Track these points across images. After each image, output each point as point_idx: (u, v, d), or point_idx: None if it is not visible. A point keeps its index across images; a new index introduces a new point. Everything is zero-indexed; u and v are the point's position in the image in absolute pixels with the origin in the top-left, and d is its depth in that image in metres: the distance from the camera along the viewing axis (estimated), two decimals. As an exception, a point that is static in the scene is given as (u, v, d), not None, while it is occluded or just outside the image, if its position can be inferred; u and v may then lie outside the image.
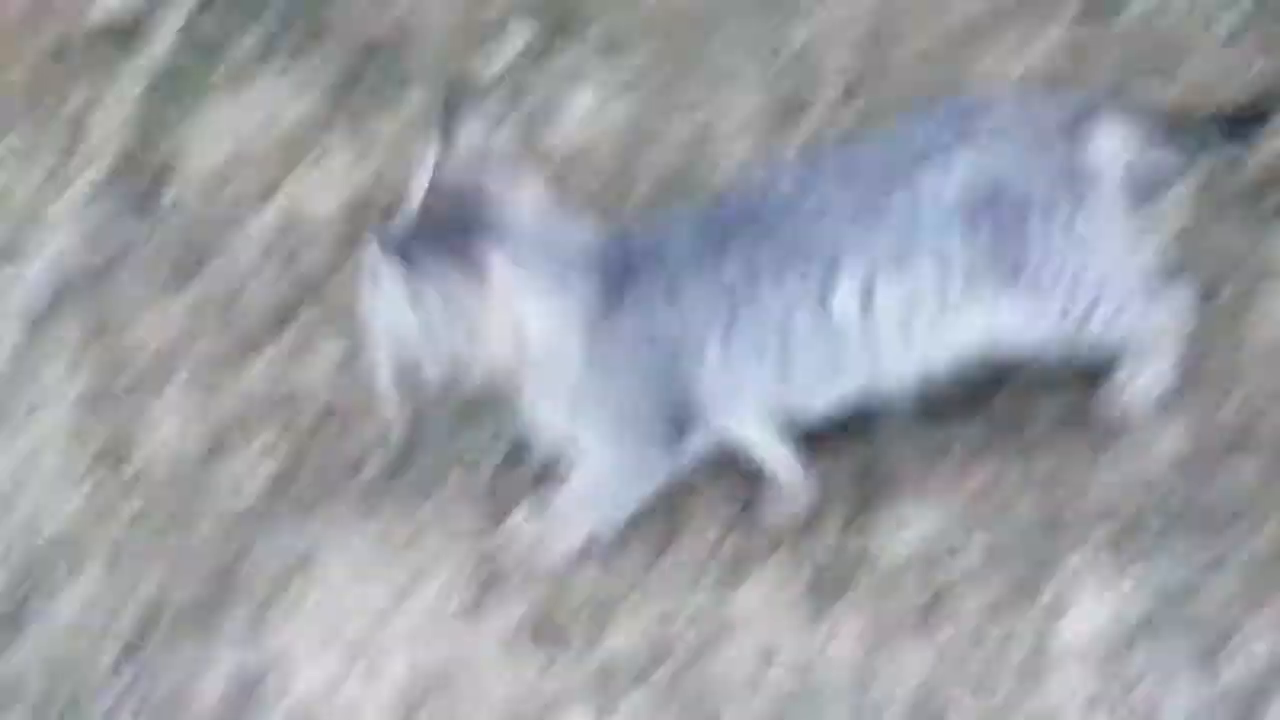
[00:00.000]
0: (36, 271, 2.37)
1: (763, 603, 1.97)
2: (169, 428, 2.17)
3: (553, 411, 1.93)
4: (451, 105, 1.84)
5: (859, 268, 1.82)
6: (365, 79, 2.39)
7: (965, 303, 1.86)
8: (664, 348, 1.87)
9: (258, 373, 2.21)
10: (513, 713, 1.92)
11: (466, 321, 1.81)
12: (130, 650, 2.00)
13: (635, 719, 1.91)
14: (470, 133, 1.81)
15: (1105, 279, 1.91)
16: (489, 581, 2.00)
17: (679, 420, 1.94)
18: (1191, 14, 2.25)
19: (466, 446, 2.09)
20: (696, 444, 1.96)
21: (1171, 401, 2.03)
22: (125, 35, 2.50)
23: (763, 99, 2.33)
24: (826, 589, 1.96)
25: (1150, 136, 1.86)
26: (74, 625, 2.02)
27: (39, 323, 2.32)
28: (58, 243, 2.33)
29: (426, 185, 1.81)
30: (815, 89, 2.37)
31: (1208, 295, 2.04)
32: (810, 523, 2.03)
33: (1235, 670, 1.81)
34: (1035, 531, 1.96)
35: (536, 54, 2.39)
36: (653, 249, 1.87)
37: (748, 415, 1.96)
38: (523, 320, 1.83)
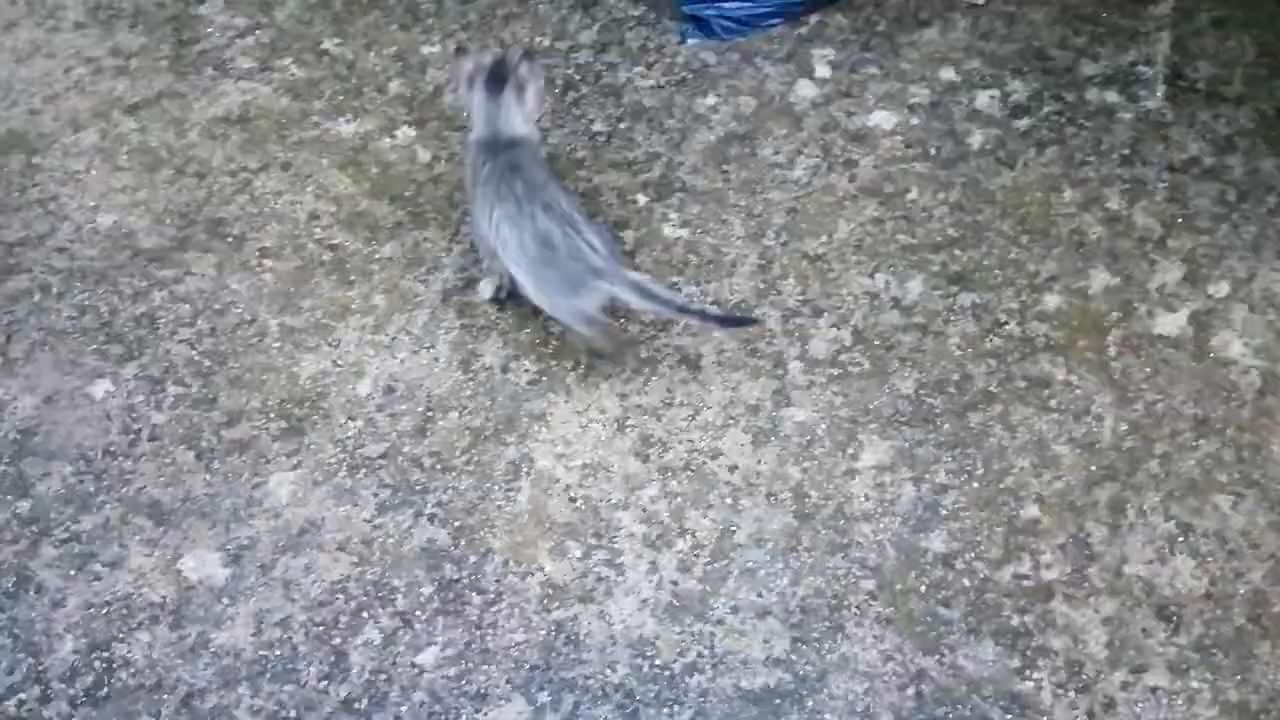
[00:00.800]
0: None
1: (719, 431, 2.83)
2: (493, 350, 2.94)
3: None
4: (528, 55, 2.79)
5: (513, 237, 2.73)
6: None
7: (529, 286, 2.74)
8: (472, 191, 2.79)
9: (522, 318, 2.94)
10: (629, 484, 2.72)
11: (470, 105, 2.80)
12: (471, 444, 2.77)
13: (672, 488, 2.72)
14: (529, 66, 2.77)
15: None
16: (618, 427, 2.80)
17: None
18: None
19: (606, 370, 2.84)
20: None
21: (903, 366, 2.88)
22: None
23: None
24: (755, 437, 2.83)
25: (642, 296, 2.72)
26: (444, 441, 2.76)
27: (441, 300, 3.01)
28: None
29: (500, 58, 2.79)
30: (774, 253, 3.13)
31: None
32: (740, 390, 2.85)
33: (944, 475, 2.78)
34: (848, 424, 2.86)
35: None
36: (503, 159, 2.74)
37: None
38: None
